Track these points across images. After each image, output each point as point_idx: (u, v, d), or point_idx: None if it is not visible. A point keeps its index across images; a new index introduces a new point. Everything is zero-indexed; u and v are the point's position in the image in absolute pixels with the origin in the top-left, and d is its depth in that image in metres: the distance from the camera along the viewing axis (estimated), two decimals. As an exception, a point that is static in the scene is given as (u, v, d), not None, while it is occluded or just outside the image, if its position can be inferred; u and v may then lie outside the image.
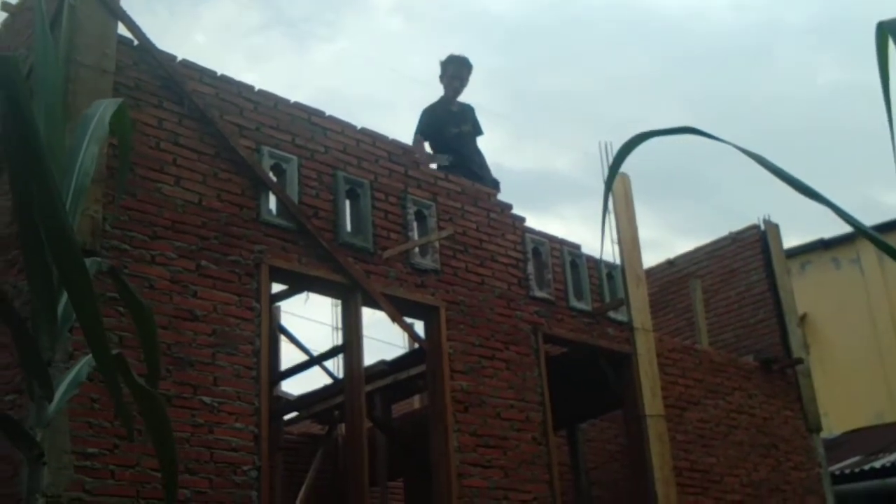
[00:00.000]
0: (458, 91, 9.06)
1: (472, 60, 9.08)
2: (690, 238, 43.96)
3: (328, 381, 9.34)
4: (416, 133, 8.62)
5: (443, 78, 9.03)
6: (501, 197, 8.32)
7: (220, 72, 6.62)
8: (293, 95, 6.98)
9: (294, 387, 12.17)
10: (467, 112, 9.09)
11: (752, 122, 41.27)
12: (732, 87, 45.61)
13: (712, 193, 43.30)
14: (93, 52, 5.83)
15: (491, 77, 44.56)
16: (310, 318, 15.62)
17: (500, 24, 47.63)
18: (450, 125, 8.84)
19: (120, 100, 3.43)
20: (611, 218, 8.92)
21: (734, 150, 2.37)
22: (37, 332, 2.76)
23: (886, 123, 2.32)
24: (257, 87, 6.80)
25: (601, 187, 9.19)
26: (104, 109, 3.33)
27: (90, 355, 3.14)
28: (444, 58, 9.08)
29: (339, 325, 11.01)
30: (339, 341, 10.67)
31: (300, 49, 47.01)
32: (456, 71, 9.05)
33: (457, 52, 9.17)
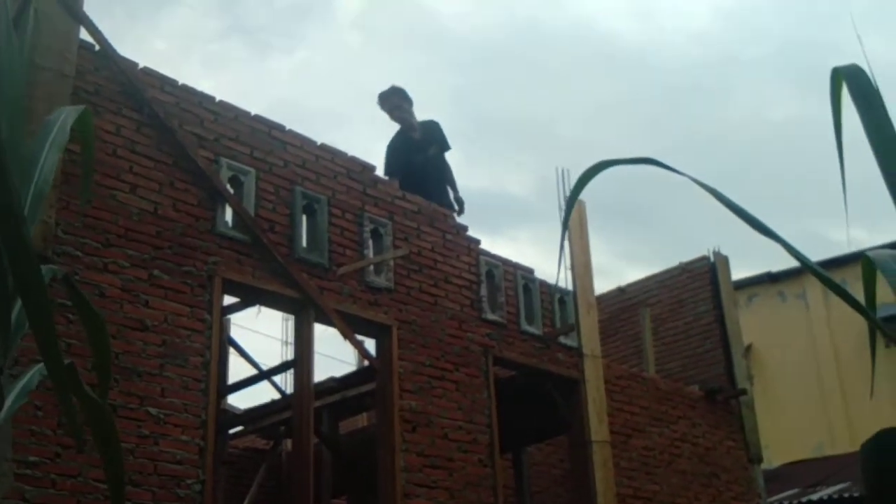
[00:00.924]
0: (407, 118, 9.13)
1: (429, 78, 9.22)
2: (638, 266, 44.50)
3: (274, 395, 9.29)
4: (385, 174, 8.63)
5: (390, 115, 9.13)
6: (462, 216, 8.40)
7: (180, 81, 6.59)
8: (249, 105, 7.00)
9: (239, 400, 12.03)
10: (430, 132, 9.15)
11: (706, 153, 41.96)
12: (689, 118, 46.40)
13: (661, 222, 43.93)
14: (53, 56, 5.77)
15: (450, 96, 44.78)
16: (259, 332, 15.51)
17: (461, 43, 48.01)
18: (414, 155, 8.90)
19: (83, 107, 3.40)
20: (565, 244, 9.00)
21: (686, 180, 2.43)
22: (-12, 339, 2.73)
23: (835, 159, 2.40)
24: (218, 97, 6.78)
25: (554, 211, 9.31)
26: (66, 117, 3.31)
27: (40, 364, 3.11)
28: (377, 100, 9.17)
29: (290, 339, 11.00)
30: (289, 356, 10.64)
31: (258, 58, 46.83)
32: (390, 104, 9.14)
33: (414, 71, 9.30)
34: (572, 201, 2.58)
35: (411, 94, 9.22)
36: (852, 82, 2.45)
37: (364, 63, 45.40)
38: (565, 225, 2.49)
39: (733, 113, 46.31)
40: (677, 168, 2.50)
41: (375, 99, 9.18)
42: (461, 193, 9.18)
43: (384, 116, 9.20)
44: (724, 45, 48.25)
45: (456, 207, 8.99)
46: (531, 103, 46.37)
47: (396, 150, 8.99)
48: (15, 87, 3.17)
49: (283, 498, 10.06)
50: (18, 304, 2.83)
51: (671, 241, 43.65)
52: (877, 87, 2.41)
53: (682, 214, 44.29)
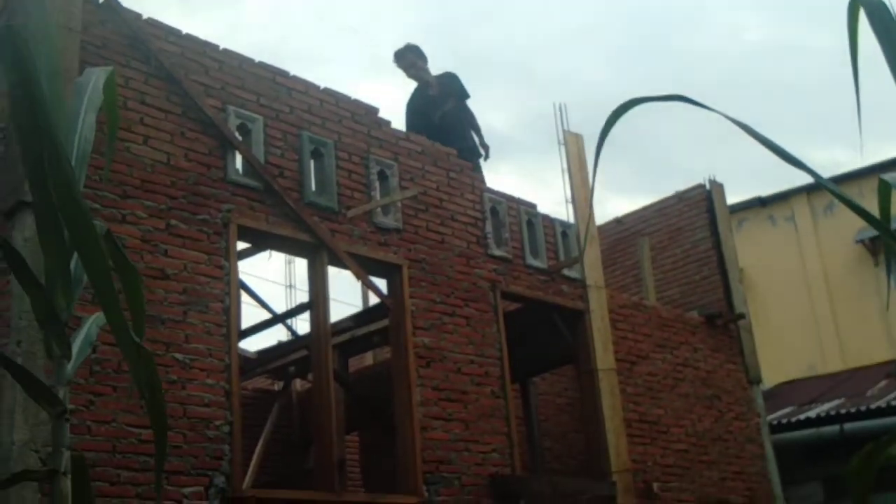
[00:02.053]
0: (422, 76, 9.23)
1: (404, 14, 9.31)
2: (623, 195, 44.62)
3: (277, 338, 9.46)
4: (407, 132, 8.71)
5: (406, 73, 9.21)
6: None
7: (184, 30, 6.62)
8: (226, 47, 6.89)
9: (243, 343, 12.21)
10: (447, 85, 9.23)
11: (681, 77, 41.87)
12: (662, 42, 46.15)
13: (643, 150, 43.98)
14: (59, 11, 5.78)
15: (427, 31, 44.39)
16: (261, 277, 15.59)
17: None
18: (432, 110, 8.98)
19: (110, 68, 3.48)
20: (564, 177, 9.13)
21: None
22: (52, 293, 2.85)
23: (812, 81, 2.52)
24: (221, 45, 6.81)
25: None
26: (97, 77, 3.38)
27: (95, 315, 3.25)
28: (392, 58, 9.27)
29: (293, 283, 11.15)
30: (294, 299, 10.81)
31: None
32: (405, 62, 9.24)
33: (389, 7, 9.40)
34: (602, 140, 2.66)
35: (418, 46, 9.27)
36: (872, 13, 2.54)
37: (339, 1, 44.87)
38: (596, 164, 2.58)
39: (708, 40, 46.13)
40: (709, 105, 2.61)
41: (349, 30, 9.30)
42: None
43: (363, 54, 9.31)
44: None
45: (481, 153, 9.13)
46: (507, 38, 46.04)
47: (415, 109, 9.12)
48: (50, 47, 3.24)
49: (300, 435, 10.31)
50: (75, 257, 2.95)
51: (655, 169, 43.82)
52: (896, 17, 2.50)
53: (665, 141, 44.41)
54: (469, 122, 9.26)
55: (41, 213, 2.85)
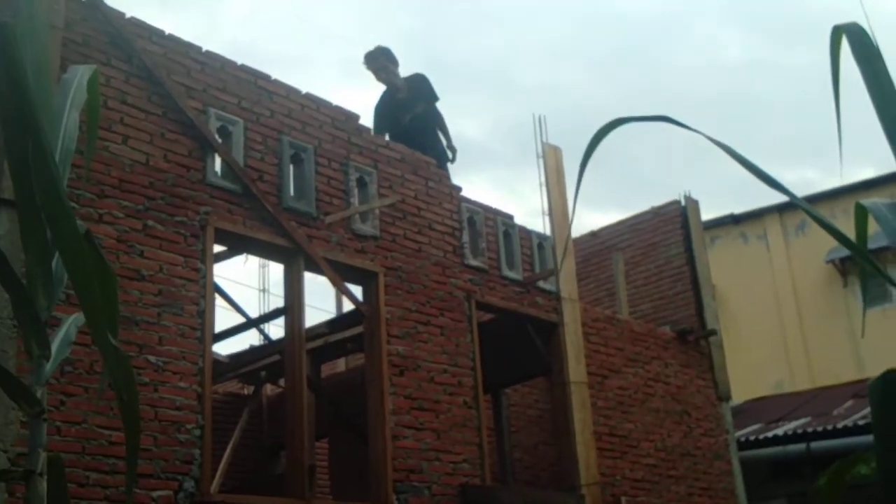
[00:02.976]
0: (392, 79, 9.20)
1: (382, 20, 9.28)
2: (595, 209, 44.91)
3: (253, 342, 9.40)
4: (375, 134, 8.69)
5: (376, 76, 9.18)
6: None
7: (167, 30, 6.59)
8: (205, 47, 6.88)
9: (216, 347, 12.14)
10: (416, 88, 9.20)
11: (660, 89, 42.21)
12: (640, 55, 46.50)
13: (614, 165, 44.20)
14: (41, 7, 5.74)
15: (405, 38, 44.42)
16: (235, 280, 15.54)
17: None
18: (401, 113, 8.97)
19: (94, 66, 3.47)
20: (542, 189, 9.17)
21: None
22: (33, 293, 2.83)
23: (783, 99, 2.57)
24: (204, 47, 6.79)
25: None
26: (81, 75, 3.37)
27: (74, 316, 3.23)
28: (362, 60, 9.22)
29: (266, 286, 11.11)
30: (268, 304, 10.77)
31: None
32: (375, 65, 9.20)
33: (367, 13, 9.37)
34: (586, 159, 2.68)
35: (389, 49, 9.25)
36: (854, 40, 2.59)
37: (318, 5, 44.84)
38: (579, 180, 2.60)
39: (686, 57, 46.53)
40: (690, 125, 2.64)
41: (328, 34, 9.27)
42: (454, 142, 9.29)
43: (338, 60, 9.29)
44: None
45: (449, 156, 9.13)
46: (486, 47, 46.22)
47: (384, 113, 9.08)
48: (37, 44, 3.23)
49: (267, 441, 10.27)
50: (56, 257, 2.94)
51: (628, 184, 44.06)
52: (877, 46, 2.55)
53: (638, 156, 44.69)
54: (438, 124, 9.26)
55: (25, 211, 2.83)
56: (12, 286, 2.77)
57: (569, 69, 48.13)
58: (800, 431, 11.94)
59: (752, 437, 12.27)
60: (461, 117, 44.89)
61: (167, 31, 6.58)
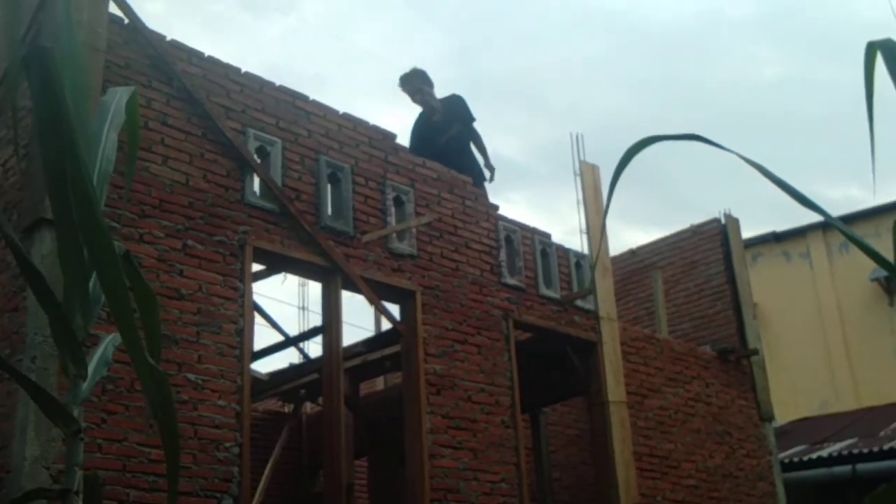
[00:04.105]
0: (427, 101, 9.23)
1: (418, 39, 9.29)
2: (634, 226, 44.64)
3: (292, 360, 9.44)
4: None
5: (411, 98, 9.22)
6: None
7: (206, 52, 6.68)
8: (244, 68, 6.95)
9: (255, 365, 12.23)
10: (452, 110, 9.22)
11: (694, 113, 41.97)
12: (676, 79, 46.28)
13: (654, 182, 43.99)
14: (85, 30, 5.86)
15: (439, 57, 44.65)
16: (275, 299, 15.66)
17: (449, 5, 47.73)
18: (437, 135, 8.99)
19: (133, 88, 3.52)
20: (579, 207, 9.15)
21: (676, 143, 2.51)
22: (71, 312, 2.87)
23: (825, 117, 2.53)
24: (243, 69, 6.87)
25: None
26: (120, 97, 3.42)
27: (111, 336, 3.27)
28: (398, 82, 9.25)
29: (306, 305, 11.18)
30: (307, 322, 10.83)
31: (255, 20, 46.54)
32: (410, 88, 9.22)
33: (403, 32, 9.35)
34: (617, 176, 2.66)
35: (424, 71, 9.28)
36: (889, 56, 2.55)
37: (354, 26, 45.20)
38: (610, 197, 2.58)
39: (723, 73, 46.22)
40: (723, 144, 2.61)
41: (365, 53, 9.29)
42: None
43: (375, 80, 9.31)
44: (706, 2, 47.93)
45: (487, 176, 9.14)
46: (522, 66, 46.26)
47: (420, 135, 9.12)
48: (77, 67, 3.28)
49: (306, 459, 10.30)
50: (93, 277, 2.98)
51: (667, 201, 43.78)
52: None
53: (678, 173, 44.41)
54: (476, 144, 9.26)
55: (62, 231, 2.88)
56: (50, 306, 2.81)
57: (604, 87, 48.07)
58: (845, 453, 11.73)
59: (796, 459, 12.08)
60: (497, 135, 45.05)
61: (207, 53, 6.67)
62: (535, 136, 47.89)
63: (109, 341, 3.19)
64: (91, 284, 2.99)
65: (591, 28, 48.03)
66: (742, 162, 2.46)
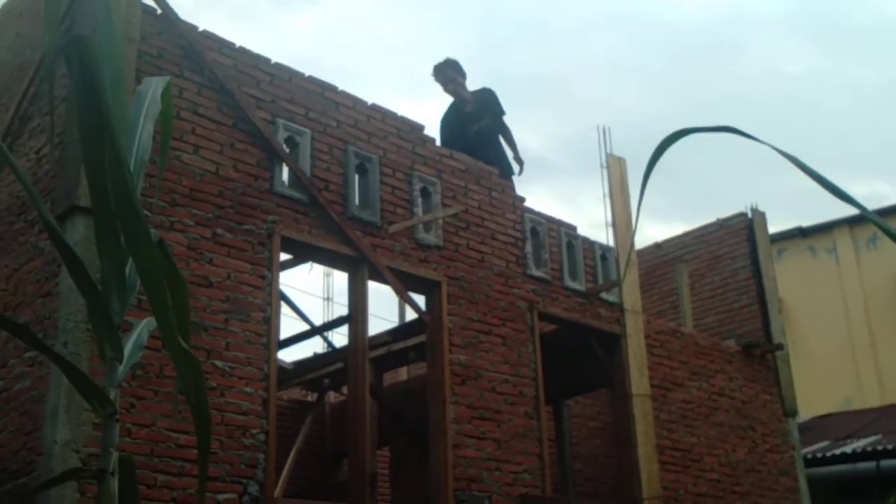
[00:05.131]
0: (459, 91, 9.26)
1: (443, 35, 9.33)
2: (657, 220, 44.49)
3: (317, 349, 9.50)
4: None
5: (444, 88, 9.25)
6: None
7: (237, 43, 6.74)
8: (273, 59, 6.99)
9: (281, 353, 12.33)
10: (483, 102, 9.24)
11: (721, 110, 41.68)
12: (702, 75, 45.99)
13: (678, 176, 43.75)
14: (119, 20, 5.92)
15: (464, 53, 44.64)
16: (300, 289, 15.76)
17: (475, 1, 47.65)
18: (467, 126, 9.02)
19: (168, 78, 3.56)
20: (605, 200, 9.14)
21: (703, 135, 2.52)
22: (107, 296, 2.92)
23: (851, 112, 2.53)
24: (273, 59, 6.92)
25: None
26: (156, 87, 3.47)
27: (147, 319, 3.32)
28: (431, 72, 9.29)
29: (331, 295, 11.25)
30: (332, 311, 10.91)
31: (282, 13, 46.69)
32: (444, 77, 9.26)
33: (428, 28, 9.40)
34: (650, 169, 2.67)
35: (457, 61, 9.30)
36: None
37: (380, 20, 45.21)
38: (643, 189, 2.60)
39: (747, 69, 45.86)
40: (757, 136, 2.61)
41: (390, 48, 9.31)
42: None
43: (401, 72, 9.33)
44: (733, 1, 47.55)
45: (515, 169, 9.16)
46: (545, 61, 46.10)
47: (450, 125, 9.15)
48: (114, 57, 3.33)
49: (329, 448, 10.37)
50: (129, 262, 3.03)
51: (691, 196, 43.55)
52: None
53: (702, 168, 44.16)
54: (505, 137, 9.29)
55: (100, 218, 2.93)
56: (88, 290, 2.86)
57: (628, 81, 47.84)
58: (869, 449, 11.67)
59: (819, 455, 12.03)
60: (521, 130, 44.84)
61: (238, 43, 6.72)
62: (558, 130, 47.78)
63: (144, 326, 3.25)
64: (127, 270, 3.05)
65: (614, 22, 47.81)
66: (766, 158, 2.48)
